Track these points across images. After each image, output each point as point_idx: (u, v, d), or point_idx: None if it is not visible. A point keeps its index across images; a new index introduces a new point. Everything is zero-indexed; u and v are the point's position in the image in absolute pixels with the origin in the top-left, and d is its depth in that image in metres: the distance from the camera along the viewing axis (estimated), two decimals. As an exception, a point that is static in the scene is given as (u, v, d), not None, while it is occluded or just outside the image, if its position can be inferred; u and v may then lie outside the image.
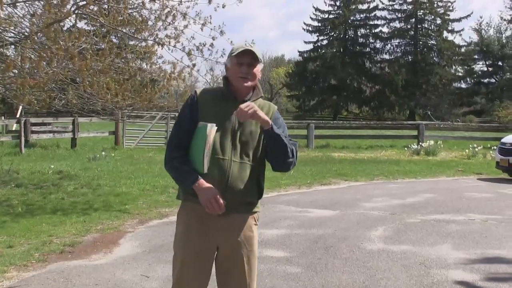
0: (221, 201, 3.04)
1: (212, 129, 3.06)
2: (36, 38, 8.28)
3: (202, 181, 3.07)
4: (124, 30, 10.56)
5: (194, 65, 10.11)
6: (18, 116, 23.09)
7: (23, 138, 18.74)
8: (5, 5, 8.20)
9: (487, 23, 62.44)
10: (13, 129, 23.36)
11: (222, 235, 3.18)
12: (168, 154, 3.23)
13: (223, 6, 9.66)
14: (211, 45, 9.82)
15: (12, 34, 8.95)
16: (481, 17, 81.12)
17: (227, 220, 3.15)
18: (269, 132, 3.12)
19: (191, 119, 3.18)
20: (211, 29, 9.76)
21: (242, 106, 3.03)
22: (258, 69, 3.24)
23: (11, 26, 8.52)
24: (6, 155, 17.05)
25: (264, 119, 3.09)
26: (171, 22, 9.73)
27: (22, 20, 8.75)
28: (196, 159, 3.11)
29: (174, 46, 9.87)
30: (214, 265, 3.28)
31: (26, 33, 8.73)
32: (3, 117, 25.94)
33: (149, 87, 10.34)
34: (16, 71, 8.51)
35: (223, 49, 10.09)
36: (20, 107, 22.09)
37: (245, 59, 3.17)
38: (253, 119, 3.08)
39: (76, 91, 9.76)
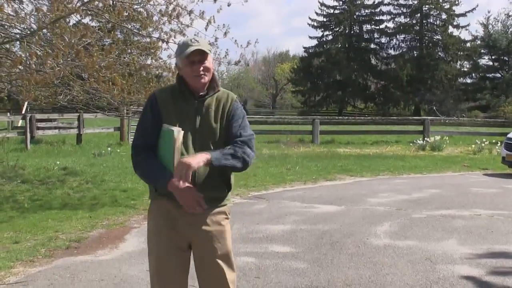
0: (200, 195, 3.03)
1: (179, 135, 3.03)
2: (41, 34, 8.28)
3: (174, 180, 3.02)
4: (129, 26, 10.55)
5: None
6: (23, 112, 23.12)
7: (28, 134, 18.77)
8: (11, 1, 8.20)
9: (494, 18, 62.06)
10: (19, 125, 23.35)
11: (191, 231, 3.19)
12: (134, 158, 3.21)
13: (228, 5, 9.65)
14: (215, 41, 9.80)
15: (18, 30, 8.96)
16: (488, 12, 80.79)
17: (196, 216, 3.15)
18: (213, 166, 3.05)
19: (154, 120, 3.18)
20: (216, 29, 9.74)
21: (177, 166, 2.96)
22: (210, 60, 3.19)
23: (18, 22, 8.52)
24: (12, 151, 17.08)
25: (202, 162, 2.99)
26: (176, 16, 9.69)
27: (28, 16, 8.74)
28: (166, 164, 3.09)
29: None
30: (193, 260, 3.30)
31: (32, 29, 8.73)
32: (8, 113, 25.95)
33: (155, 81, 10.34)
34: (22, 68, 8.52)
35: (227, 49, 10.08)
36: (26, 103, 22.10)
37: (195, 57, 3.12)
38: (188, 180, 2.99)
39: (82, 86, 9.77)
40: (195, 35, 9.84)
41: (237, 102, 3.31)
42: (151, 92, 3.32)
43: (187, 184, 2.97)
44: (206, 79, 3.17)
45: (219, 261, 3.22)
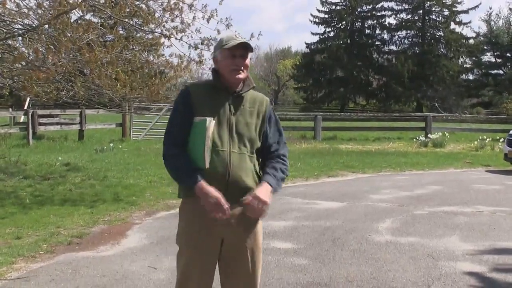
0: (226, 205, 3.02)
1: (211, 124, 3.03)
2: (43, 30, 8.27)
3: (203, 184, 3.04)
4: (131, 22, 10.54)
5: (201, 61, 10.08)
6: (25, 108, 23.13)
7: (30, 130, 18.79)
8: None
9: (496, 14, 61.96)
10: (21, 121, 23.37)
11: (226, 228, 3.15)
12: (166, 152, 3.18)
13: None
14: (217, 34, 9.80)
15: (20, 26, 8.95)
16: (490, 8, 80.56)
17: (231, 213, 3.13)
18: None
19: (186, 114, 3.14)
20: (218, 22, 9.73)
21: (253, 202, 3.06)
22: (249, 58, 3.20)
23: (20, 17, 8.52)
24: (14, 146, 17.11)
25: (271, 195, 3.14)
26: (178, 15, 9.68)
27: (32, 12, 8.73)
28: (197, 155, 3.07)
29: (181, 39, 9.84)
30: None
31: (34, 25, 8.72)
32: (10, 109, 25.93)
33: (157, 78, 10.33)
34: (24, 63, 8.52)
35: None
36: (28, 99, 22.12)
37: (239, 51, 3.12)
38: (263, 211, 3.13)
39: (84, 82, 9.76)
40: (197, 30, 9.86)
41: (271, 105, 3.34)
42: (183, 86, 3.29)
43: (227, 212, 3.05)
44: (243, 75, 3.17)
45: (248, 260, 3.23)
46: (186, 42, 9.84)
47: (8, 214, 8.15)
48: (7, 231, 7.17)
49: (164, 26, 9.95)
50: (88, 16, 10.56)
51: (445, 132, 21.89)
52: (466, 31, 63.09)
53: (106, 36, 10.29)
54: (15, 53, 8.60)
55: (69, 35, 8.15)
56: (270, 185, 3.13)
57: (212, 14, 9.61)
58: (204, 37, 9.87)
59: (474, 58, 61.43)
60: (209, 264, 3.21)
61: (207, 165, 3.05)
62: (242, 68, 3.14)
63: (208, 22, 9.62)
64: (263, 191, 3.08)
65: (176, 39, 9.79)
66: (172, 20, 9.84)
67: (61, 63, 8.08)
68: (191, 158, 3.10)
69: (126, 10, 9.36)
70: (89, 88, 10.05)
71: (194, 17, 9.69)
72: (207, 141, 3.02)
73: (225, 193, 3.07)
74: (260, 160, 3.31)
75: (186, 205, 3.24)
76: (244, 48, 3.14)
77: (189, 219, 3.21)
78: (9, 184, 10.57)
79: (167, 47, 10.80)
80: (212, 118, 3.06)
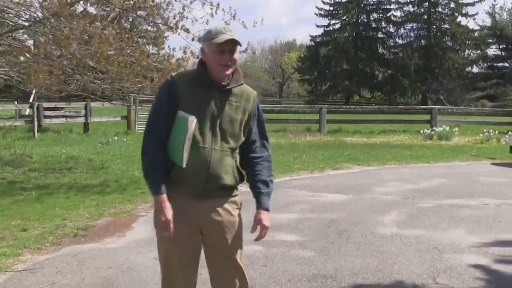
0: (171, 228, 3.07)
1: (192, 124, 2.98)
2: (49, 22, 8.27)
3: (164, 199, 3.09)
4: (135, 14, 10.51)
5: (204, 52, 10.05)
6: (31, 100, 23.17)
7: (36, 123, 18.84)
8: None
9: (501, 7, 61.61)
10: (26, 113, 23.41)
11: (203, 219, 3.16)
12: (145, 145, 3.14)
13: None
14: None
15: (25, 19, 8.95)
16: (495, 1, 79.95)
17: (209, 205, 3.15)
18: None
19: (170, 105, 3.07)
20: (223, 10, 9.72)
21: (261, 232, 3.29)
22: (237, 52, 3.09)
23: (25, 7, 8.51)
24: (20, 139, 17.15)
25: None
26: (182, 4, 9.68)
27: (35, 3, 8.73)
28: (175, 152, 3.05)
29: (187, 31, 9.80)
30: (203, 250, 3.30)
31: (38, 18, 8.72)
32: (16, 102, 26.00)
33: (159, 71, 10.31)
34: (29, 56, 8.52)
35: None
36: (33, 91, 22.15)
37: (227, 46, 3.02)
38: None
39: (94, 72, 9.76)
40: (206, 22, 9.84)
41: (258, 100, 3.29)
42: (169, 76, 3.22)
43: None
44: (231, 70, 3.09)
45: (229, 250, 3.24)
46: (193, 34, 9.83)
47: (14, 207, 8.18)
48: (13, 223, 7.20)
49: (168, 18, 9.94)
50: (91, 9, 10.55)
51: (451, 125, 21.80)
52: (472, 24, 62.65)
53: (110, 29, 10.26)
54: (20, 45, 8.61)
55: (75, 26, 8.14)
56: (268, 210, 3.29)
57: (217, 7, 9.60)
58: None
59: (479, 51, 61.13)
60: (190, 254, 3.21)
61: (184, 165, 3.02)
62: (230, 63, 3.07)
63: (216, 13, 9.60)
64: (266, 219, 3.27)
65: (180, 29, 9.75)
66: (172, 11, 9.82)
67: (69, 56, 8.07)
68: (169, 152, 3.08)
69: (130, 2, 9.34)
70: (93, 82, 10.04)
71: (196, 12, 9.69)
72: (186, 142, 2.98)
73: (203, 188, 3.09)
74: (243, 154, 3.29)
75: (166, 195, 3.18)
76: (233, 43, 3.03)
77: None
78: (15, 177, 10.60)
79: (167, 40, 10.62)
80: (194, 117, 2.99)
